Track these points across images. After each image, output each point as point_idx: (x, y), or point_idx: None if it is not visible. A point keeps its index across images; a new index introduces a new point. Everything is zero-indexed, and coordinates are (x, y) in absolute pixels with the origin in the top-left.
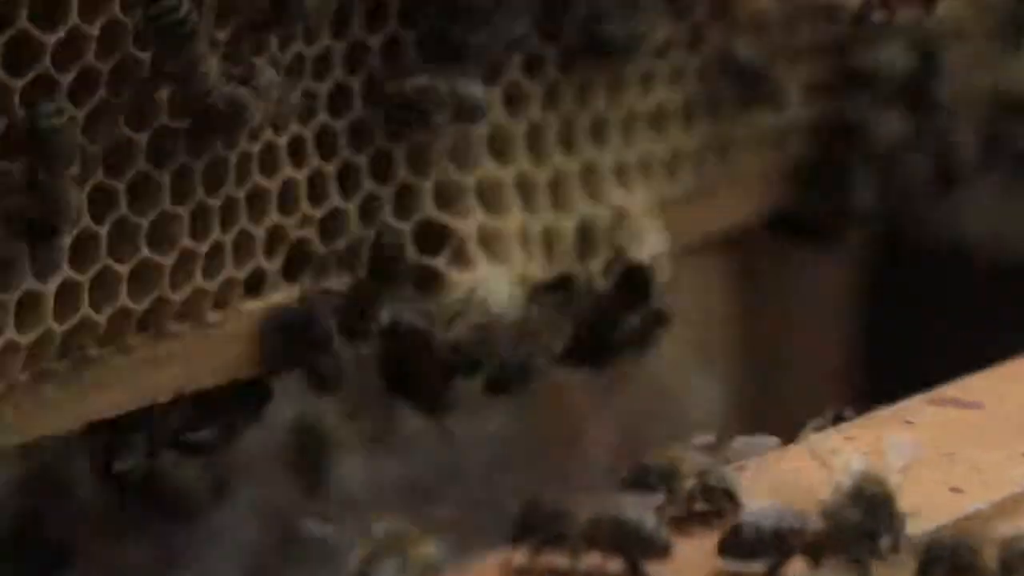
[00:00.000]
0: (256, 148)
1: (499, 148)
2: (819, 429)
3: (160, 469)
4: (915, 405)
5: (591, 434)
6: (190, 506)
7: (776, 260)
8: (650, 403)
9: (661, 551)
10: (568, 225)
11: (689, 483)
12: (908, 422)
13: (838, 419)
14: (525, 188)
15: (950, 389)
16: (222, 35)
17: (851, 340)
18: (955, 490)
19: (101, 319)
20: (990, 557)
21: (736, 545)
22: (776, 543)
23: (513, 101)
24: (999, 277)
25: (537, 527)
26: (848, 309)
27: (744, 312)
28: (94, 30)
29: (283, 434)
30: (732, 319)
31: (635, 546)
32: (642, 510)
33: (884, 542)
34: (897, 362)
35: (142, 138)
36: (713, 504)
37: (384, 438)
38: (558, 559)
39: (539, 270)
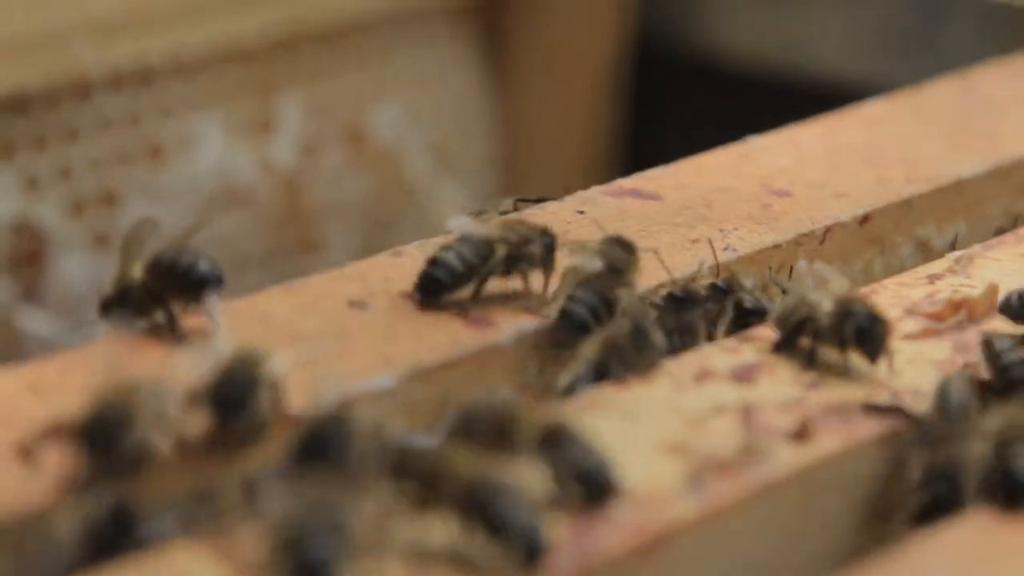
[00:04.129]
0: None
1: None
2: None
3: None
4: (592, 195)
5: (334, 240)
6: None
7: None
8: (394, 209)
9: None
10: None
11: None
12: (580, 211)
13: (522, 201)
14: None
15: (630, 180)
16: None
17: (599, 142)
18: None
19: None
20: None
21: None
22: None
23: None
24: (745, 84)
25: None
26: (596, 113)
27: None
28: None
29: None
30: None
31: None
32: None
33: None
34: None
35: None
36: None
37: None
38: None
39: None
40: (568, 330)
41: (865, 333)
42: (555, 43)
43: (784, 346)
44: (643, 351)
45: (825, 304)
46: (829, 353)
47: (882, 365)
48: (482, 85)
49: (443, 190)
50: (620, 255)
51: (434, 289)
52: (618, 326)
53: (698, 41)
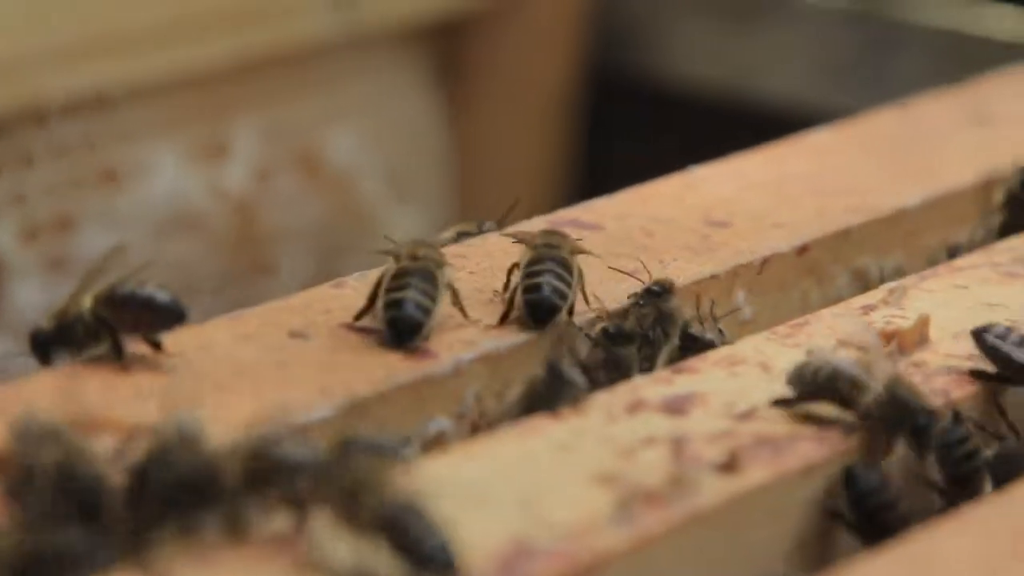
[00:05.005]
0: None
1: None
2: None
3: None
4: (534, 225)
5: (287, 265)
6: None
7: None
8: (348, 234)
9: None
10: None
11: None
12: (519, 242)
13: (462, 235)
14: None
15: (571, 211)
16: None
17: (553, 169)
18: None
19: None
20: None
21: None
22: None
23: None
24: (698, 111)
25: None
26: (551, 140)
27: (447, 146)
28: None
29: None
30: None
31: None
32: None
33: None
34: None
35: None
36: None
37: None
38: None
39: None
40: (539, 313)
41: (922, 432)
42: (509, 70)
43: (789, 404)
44: (562, 393)
45: (872, 385)
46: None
47: None
48: (436, 112)
49: (397, 216)
50: (557, 241)
51: (413, 331)
52: (534, 373)
53: (651, 69)
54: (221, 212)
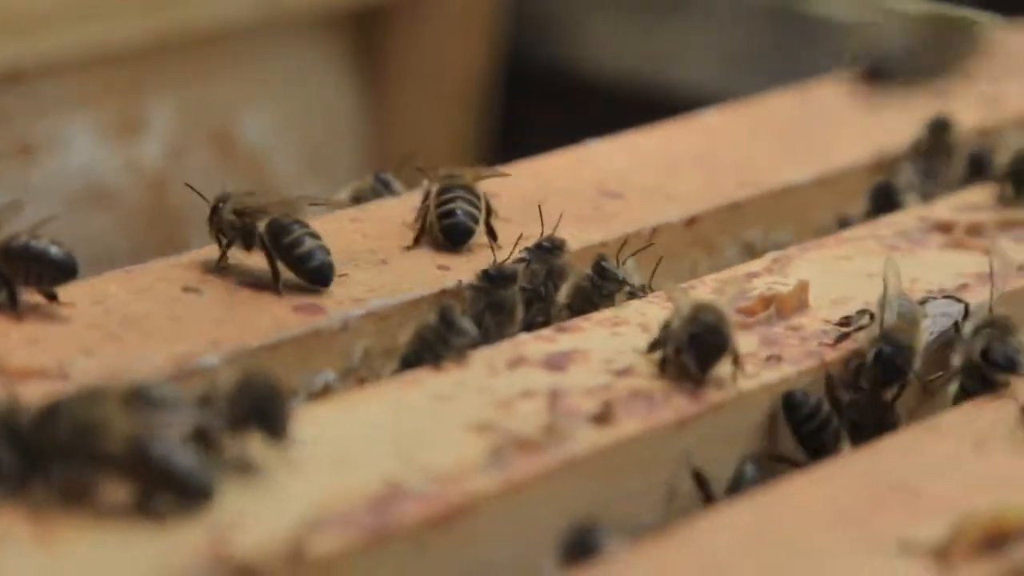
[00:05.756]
0: None
1: None
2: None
3: None
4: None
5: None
6: None
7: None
8: None
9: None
10: None
11: None
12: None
13: (357, 197)
14: None
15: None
16: None
17: (469, 153)
18: (442, 267)
19: None
20: None
21: None
22: None
23: None
24: (614, 100)
25: None
26: (467, 124)
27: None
28: None
29: None
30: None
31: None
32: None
33: None
34: None
35: None
36: None
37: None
38: None
39: None
40: (455, 237)
41: (695, 341)
42: (427, 54)
43: (652, 347)
44: (451, 341)
45: (683, 309)
46: None
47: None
48: (354, 93)
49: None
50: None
51: (331, 275)
52: (426, 318)
53: (566, 59)
54: (135, 188)
